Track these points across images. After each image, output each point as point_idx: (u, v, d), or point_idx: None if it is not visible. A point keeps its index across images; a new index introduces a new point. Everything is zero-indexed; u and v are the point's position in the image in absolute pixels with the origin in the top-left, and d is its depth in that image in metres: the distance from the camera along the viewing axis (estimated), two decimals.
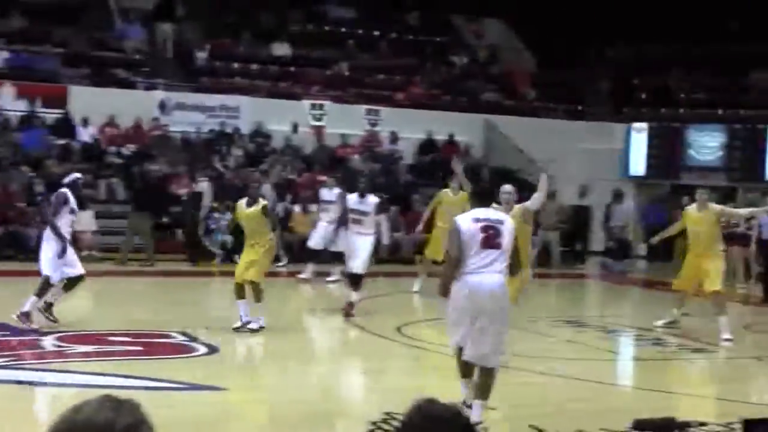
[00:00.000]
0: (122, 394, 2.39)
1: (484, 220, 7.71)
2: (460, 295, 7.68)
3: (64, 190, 11.69)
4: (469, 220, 7.72)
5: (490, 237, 7.62)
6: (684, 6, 27.93)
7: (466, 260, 7.60)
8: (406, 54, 28.25)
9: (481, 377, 7.89)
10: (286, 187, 22.29)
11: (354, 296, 13.62)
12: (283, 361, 11.20)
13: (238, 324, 11.96)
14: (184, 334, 11.50)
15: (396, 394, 8.69)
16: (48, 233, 11.47)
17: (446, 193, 16.42)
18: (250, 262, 11.98)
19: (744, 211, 15.20)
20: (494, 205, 8.46)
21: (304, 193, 22.06)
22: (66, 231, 11.62)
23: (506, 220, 7.88)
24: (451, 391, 8.47)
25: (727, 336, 12.62)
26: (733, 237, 19.94)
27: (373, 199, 14.18)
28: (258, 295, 12.04)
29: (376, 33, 28.35)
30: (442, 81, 27.47)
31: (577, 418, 8.25)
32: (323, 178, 23.06)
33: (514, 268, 7.94)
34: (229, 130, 23.64)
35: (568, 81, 29.86)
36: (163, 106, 23.31)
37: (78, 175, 12.61)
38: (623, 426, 7.38)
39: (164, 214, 20.72)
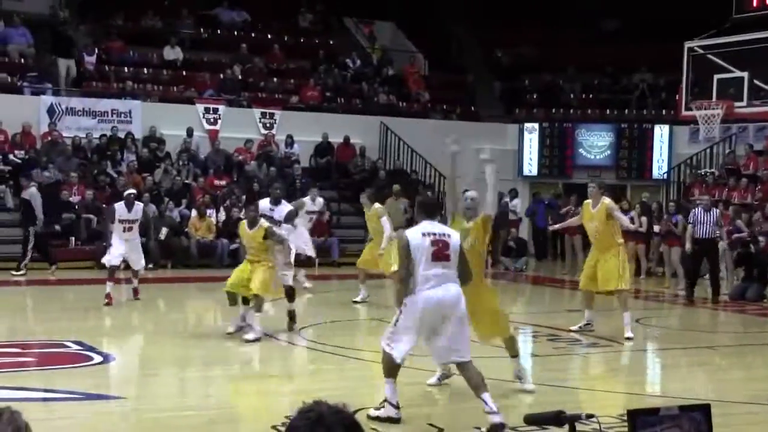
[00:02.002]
0: (17, 406, 2.35)
1: (432, 234, 7.86)
2: (417, 308, 7.81)
3: None
4: (419, 235, 7.86)
5: (440, 250, 7.79)
6: (566, 7, 28.57)
7: (417, 274, 7.75)
8: (299, 57, 28.20)
9: (466, 375, 8.08)
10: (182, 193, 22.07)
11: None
12: (181, 369, 11.08)
13: (231, 330, 12.31)
14: (78, 343, 11.29)
15: (296, 397, 8.67)
16: None
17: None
18: (254, 277, 12.14)
19: (629, 224, 14.94)
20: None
21: (200, 197, 21.89)
22: None
23: (452, 233, 8.07)
24: (351, 392, 8.52)
25: (629, 334, 12.82)
26: (626, 232, 20.47)
27: (285, 207, 14.28)
28: (259, 306, 12.24)
29: (269, 36, 28.22)
30: (335, 84, 27.50)
31: (475, 415, 8.35)
32: (220, 182, 22.98)
33: (464, 276, 8.04)
34: (121, 135, 23.25)
35: (460, 82, 30.20)
36: (52, 112, 22.80)
37: None
38: (515, 422, 7.55)
39: (57, 222, 20.30)
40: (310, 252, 16.96)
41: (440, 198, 24.92)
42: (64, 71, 24.07)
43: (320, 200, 18.51)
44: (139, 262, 15.76)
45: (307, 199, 17.83)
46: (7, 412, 2.31)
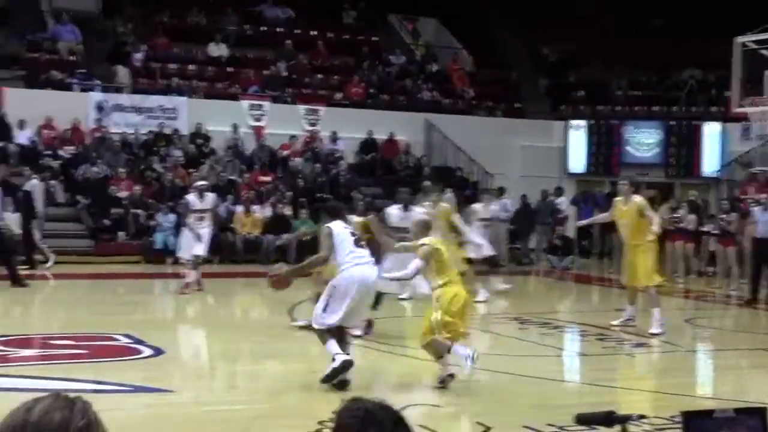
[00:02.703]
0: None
1: (349, 228, 9.65)
2: (346, 283, 9.25)
3: None
4: (340, 227, 9.50)
5: (357, 240, 9.52)
6: (616, 3, 28.35)
7: (342, 257, 9.33)
8: (344, 53, 28.25)
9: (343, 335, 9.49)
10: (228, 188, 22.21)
11: None
12: (229, 363, 11.16)
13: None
14: (128, 336, 11.41)
15: (343, 394, 8.71)
16: None
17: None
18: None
19: (657, 227, 14.82)
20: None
21: (246, 193, 22.03)
22: None
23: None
24: (397, 389, 8.54)
25: (655, 330, 12.73)
26: (675, 231, 20.30)
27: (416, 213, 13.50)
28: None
29: (313, 33, 28.30)
30: (379, 80, 27.52)
31: (523, 413, 8.36)
32: (266, 178, 23.10)
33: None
34: (168, 131, 23.45)
35: (505, 79, 30.08)
36: (100, 108, 23.06)
37: None
38: (566, 421, 7.52)
39: (105, 217, 20.55)
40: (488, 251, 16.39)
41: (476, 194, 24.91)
42: (123, 77, 24.27)
43: (493, 207, 17.87)
44: (202, 249, 16.03)
45: (478, 206, 17.33)
46: (79, 401, 2.34)
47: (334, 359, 9.21)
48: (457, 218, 15.09)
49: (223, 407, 8.91)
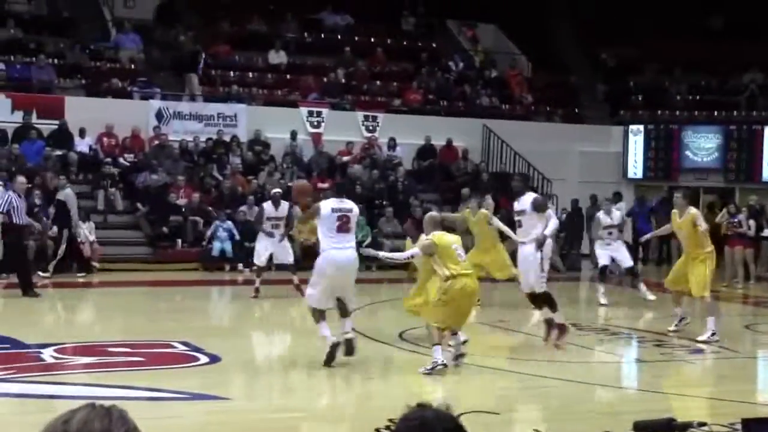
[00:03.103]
0: (125, 405, 2.37)
1: (339, 210, 10.22)
2: (324, 265, 10.20)
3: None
4: (329, 208, 10.20)
5: (343, 223, 10.13)
6: (671, 6, 28.03)
7: (323, 239, 10.15)
8: (402, 60, 28.28)
9: (342, 305, 10.48)
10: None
11: None
12: (286, 369, 11.19)
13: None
14: (185, 343, 11.49)
15: (400, 400, 8.67)
16: None
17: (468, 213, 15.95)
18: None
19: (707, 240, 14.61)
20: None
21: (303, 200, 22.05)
22: None
23: (354, 207, 10.44)
24: (454, 396, 8.49)
25: (704, 338, 12.59)
26: (734, 236, 20.06)
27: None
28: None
29: (372, 39, 28.36)
30: (438, 86, 27.50)
31: (580, 420, 8.27)
32: (324, 185, 23.14)
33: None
34: (227, 138, 23.63)
35: (563, 84, 29.90)
36: (160, 116, 23.31)
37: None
38: (625, 428, 7.40)
39: (164, 224, 20.75)
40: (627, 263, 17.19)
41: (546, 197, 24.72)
42: (194, 84, 24.54)
43: (617, 213, 17.66)
44: (288, 256, 16.60)
45: (601, 214, 17.43)
46: (115, 410, 2.33)
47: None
48: (496, 221, 15.15)
49: (280, 414, 8.93)
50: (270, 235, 16.40)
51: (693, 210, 13.12)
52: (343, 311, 10.56)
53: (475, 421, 8.01)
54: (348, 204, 10.48)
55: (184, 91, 24.65)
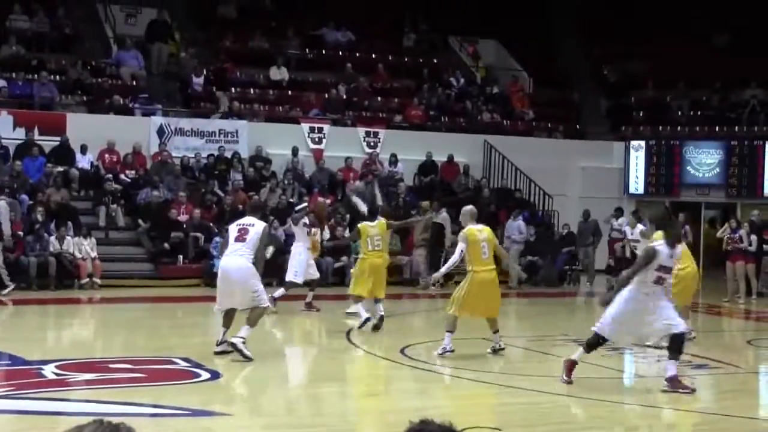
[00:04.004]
0: (126, 422, 2.37)
1: (241, 224, 11.69)
2: (218, 272, 11.72)
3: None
4: (235, 224, 11.81)
5: (240, 233, 11.45)
6: (675, 22, 28.09)
7: (227, 248, 11.65)
8: (404, 76, 28.33)
9: (251, 313, 11.50)
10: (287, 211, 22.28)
11: None
12: (286, 385, 11.17)
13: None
14: (186, 359, 11.46)
15: (401, 415, 8.65)
16: None
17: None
18: None
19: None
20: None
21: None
22: None
23: (256, 223, 11.62)
24: (456, 412, 8.47)
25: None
26: (736, 252, 20.08)
27: None
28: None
29: (374, 56, 28.42)
30: (439, 102, 27.54)
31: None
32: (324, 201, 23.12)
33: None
34: (228, 154, 23.65)
35: (565, 100, 29.94)
36: (161, 132, 23.33)
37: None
38: None
39: (166, 240, 20.74)
40: None
41: (544, 214, 24.76)
42: (225, 102, 24.61)
43: (640, 227, 17.33)
44: (315, 272, 17.07)
45: (626, 228, 18.15)
46: (124, 427, 2.33)
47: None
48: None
49: (282, 431, 8.89)
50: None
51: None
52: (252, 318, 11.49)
53: None
54: (251, 220, 11.78)
55: (186, 107, 24.71)
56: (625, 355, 13.62)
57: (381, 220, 15.11)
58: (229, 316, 11.69)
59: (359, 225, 15.30)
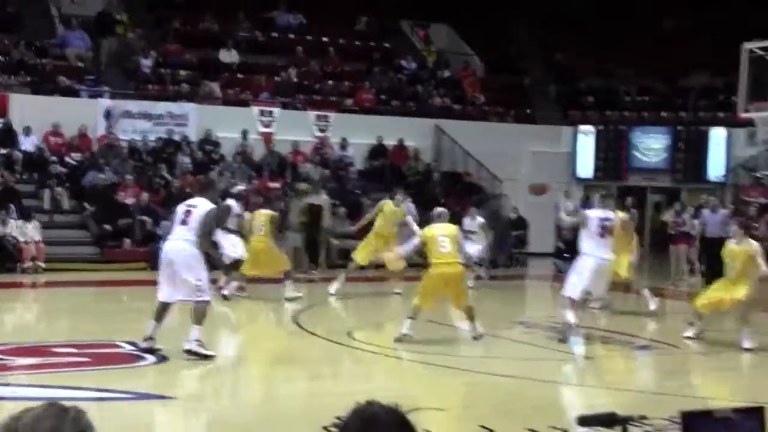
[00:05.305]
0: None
1: (187, 205, 10.91)
2: (162, 255, 10.87)
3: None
4: (182, 205, 11.01)
5: (185, 216, 10.68)
6: (624, 9, 28.34)
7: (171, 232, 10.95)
8: (355, 60, 28.25)
9: (194, 310, 10.63)
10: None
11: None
12: (232, 368, 11.12)
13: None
14: (132, 343, 11.36)
15: (347, 398, 8.64)
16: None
17: (388, 204, 17.08)
18: None
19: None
20: None
21: (254, 199, 21.94)
22: None
23: (200, 206, 10.78)
24: (401, 393, 8.48)
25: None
26: (679, 235, 20.39)
27: None
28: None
29: (325, 39, 28.29)
30: (390, 86, 27.50)
31: (527, 416, 8.31)
32: (274, 184, 23.05)
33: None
34: (177, 137, 23.44)
35: (516, 85, 30.06)
36: (108, 115, 23.04)
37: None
38: (569, 422, 7.46)
39: (112, 224, 20.52)
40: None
41: (494, 197, 24.88)
42: (216, 90, 24.42)
43: (480, 219, 18.75)
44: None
45: (466, 219, 18.43)
46: (73, 410, 2.29)
47: None
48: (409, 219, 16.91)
49: (226, 413, 8.87)
50: (232, 232, 16.26)
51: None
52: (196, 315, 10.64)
53: (424, 418, 8.01)
54: (197, 201, 10.99)
55: (133, 90, 24.43)
56: (571, 336, 13.74)
57: (261, 211, 16.28)
58: (163, 309, 10.84)
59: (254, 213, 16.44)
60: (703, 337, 12.70)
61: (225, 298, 15.56)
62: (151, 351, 10.58)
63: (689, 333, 12.73)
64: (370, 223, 17.22)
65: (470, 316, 12.24)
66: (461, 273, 12.28)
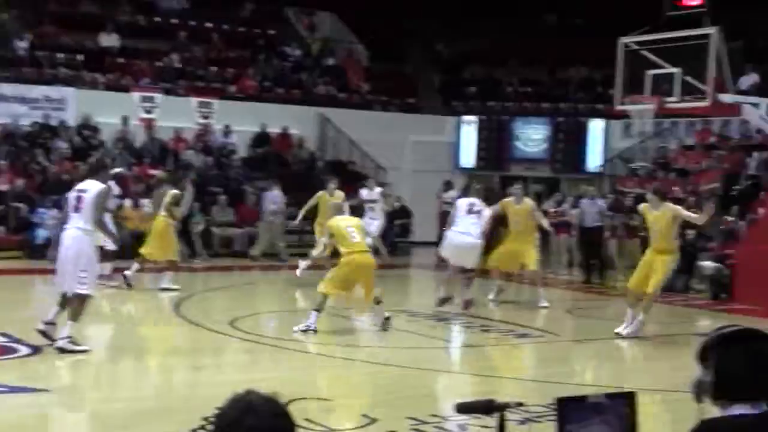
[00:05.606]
0: None
1: (78, 190, 10.46)
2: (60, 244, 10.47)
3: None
4: (74, 190, 10.53)
5: (77, 202, 10.33)
6: (511, 2, 28.77)
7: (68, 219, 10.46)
8: (239, 46, 27.98)
9: (72, 303, 10.32)
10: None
11: None
12: (110, 360, 10.90)
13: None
14: (4, 334, 11.04)
15: (229, 388, 8.56)
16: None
17: (323, 196, 17.60)
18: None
19: (545, 222, 15.92)
20: None
21: (135, 186, 21.56)
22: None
23: (90, 189, 10.38)
24: (284, 383, 8.45)
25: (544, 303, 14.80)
26: (560, 224, 20.83)
27: None
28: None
29: (208, 25, 27.93)
30: (275, 73, 27.34)
31: (409, 405, 8.37)
32: (155, 171, 22.65)
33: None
34: (54, 122, 22.83)
35: (400, 74, 30.23)
36: None
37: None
38: (450, 410, 7.55)
39: None
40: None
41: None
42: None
43: (378, 189, 19.78)
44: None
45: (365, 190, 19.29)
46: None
47: None
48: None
49: (103, 405, 8.69)
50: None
51: (531, 202, 14.66)
52: (69, 313, 10.37)
53: (307, 408, 8.02)
54: (87, 184, 10.51)
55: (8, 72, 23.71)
56: (452, 325, 13.93)
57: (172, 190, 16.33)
58: (64, 297, 10.55)
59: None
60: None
61: (129, 285, 15.51)
62: (46, 335, 10.34)
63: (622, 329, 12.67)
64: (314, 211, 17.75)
65: (377, 300, 12.37)
66: (373, 263, 12.38)
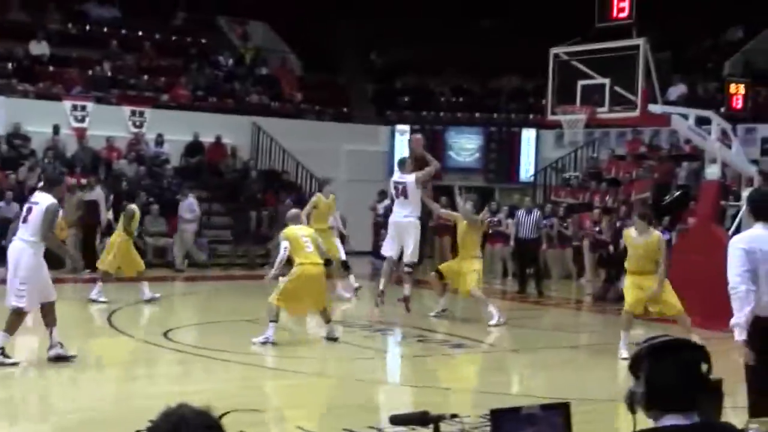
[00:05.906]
0: None
1: (30, 201, 10.49)
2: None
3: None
4: (28, 202, 10.61)
5: (26, 213, 10.30)
6: (443, 9, 28.97)
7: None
8: (171, 55, 27.77)
9: (9, 316, 10.23)
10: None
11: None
12: (40, 373, 10.73)
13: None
14: None
15: (163, 400, 8.50)
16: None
17: (320, 198, 17.55)
18: None
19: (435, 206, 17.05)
20: None
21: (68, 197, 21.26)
22: None
23: (41, 202, 10.22)
24: (218, 395, 8.43)
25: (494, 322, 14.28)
26: (495, 235, 21.03)
27: None
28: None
29: (140, 33, 27.69)
30: (207, 82, 27.19)
31: (344, 416, 8.38)
32: (84, 181, 22.38)
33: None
34: None
35: (333, 84, 30.26)
36: None
37: None
38: (387, 422, 7.58)
39: None
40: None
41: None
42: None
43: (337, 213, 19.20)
44: None
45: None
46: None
47: None
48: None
49: (35, 418, 8.57)
50: None
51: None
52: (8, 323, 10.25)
53: (240, 420, 7.98)
54: (39, 197, 10.44)
55: None
56: (387, 336, 13.98)
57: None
58: (43, 310, 10.48)
59: None
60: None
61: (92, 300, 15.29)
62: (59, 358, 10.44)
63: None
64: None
65: (326, 318, 12.38)
66: (323, 273, 12.45)
